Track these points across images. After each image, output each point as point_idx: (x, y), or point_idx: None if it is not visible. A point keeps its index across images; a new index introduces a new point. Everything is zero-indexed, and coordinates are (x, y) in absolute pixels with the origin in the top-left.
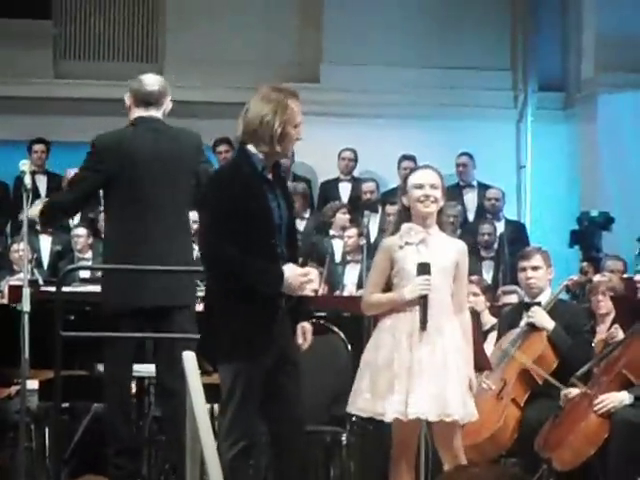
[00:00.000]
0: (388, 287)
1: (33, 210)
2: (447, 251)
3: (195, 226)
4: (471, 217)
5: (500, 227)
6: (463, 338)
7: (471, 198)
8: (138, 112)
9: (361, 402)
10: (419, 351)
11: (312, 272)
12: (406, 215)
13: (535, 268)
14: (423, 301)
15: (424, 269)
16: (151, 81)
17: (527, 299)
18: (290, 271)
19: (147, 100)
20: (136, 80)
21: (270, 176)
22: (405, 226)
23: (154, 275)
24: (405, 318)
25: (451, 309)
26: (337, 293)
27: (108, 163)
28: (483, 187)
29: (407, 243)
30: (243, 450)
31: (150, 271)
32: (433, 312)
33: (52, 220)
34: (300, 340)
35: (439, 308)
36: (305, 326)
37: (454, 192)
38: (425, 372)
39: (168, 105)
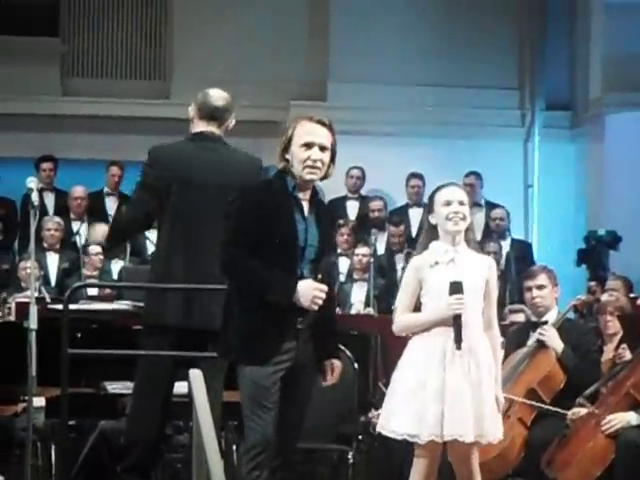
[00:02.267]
0: (417, 307)
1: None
2: (477, 268)
3: None
4: (479, 236)
5: (506, 246)
6: (493, 355)
7: (479, 218)
8: (200, 126)
9: (394, 424)
10: (453, 371)
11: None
12: (434, 233)
13: (540, 287)
14: (457, 320)
15: (457, 288)
16: (217, 96)
17: (534, 318)
18: (303, 283)
19: (211, 115)
20: (203, 93)
21: (303, 198)
22: (434, 245)
23: (200, 297)
24: (438, 337)
25: (481, 327)
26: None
27: (164, 179)
28: (491, 206)
29: (437, 262)
30: (257, 464)
31: (175, 289)
32: (465, 332)
33: (118, 243)
34: (328, 376)
35: (472, 327)
36: (335, 363)
37: None
38: (460, 393)
39: (231, 122)
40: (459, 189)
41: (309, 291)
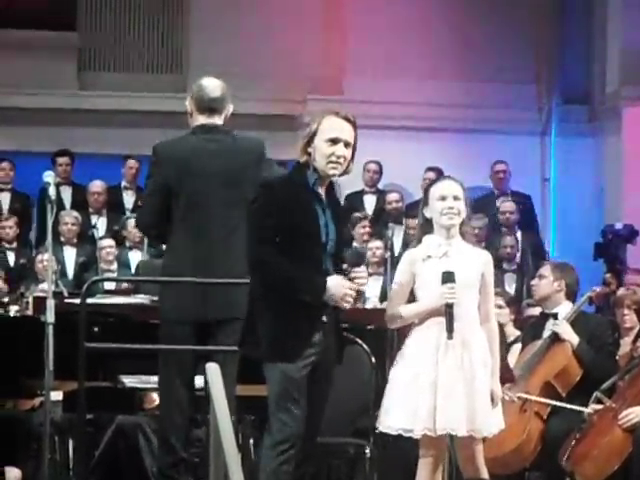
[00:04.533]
0: (411, 301)
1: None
2: (471, 262)
3: None
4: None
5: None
6: (489, 348)
7: (508, 207)
8: (201, 119)
9: (390, 419)
10: (446, 365)
11: (362, 275)
12: (428, 227)
13: (540, 277)
14: (449, 310)
15: (449, 278)
16: (213, 86)
17: (546, 310)
18: (333, 281)
19: (211, 107)
20: (197, 85)
21: (323, 194)
22: (428, 238)
23: (213, 288)
24: (430, 333)
25: (477, 321)
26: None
27: (171, 175)
28: (517, 195)
29: (430, 256)
30: (287, 458)
31: (196, 283)
32: (459, 325)
33: (151, 238)
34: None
35: (465, 321)
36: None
37: (486, 201)
38: (453, 386)
39: (229, 109)
40: (455, 183)
41: (340, 289)
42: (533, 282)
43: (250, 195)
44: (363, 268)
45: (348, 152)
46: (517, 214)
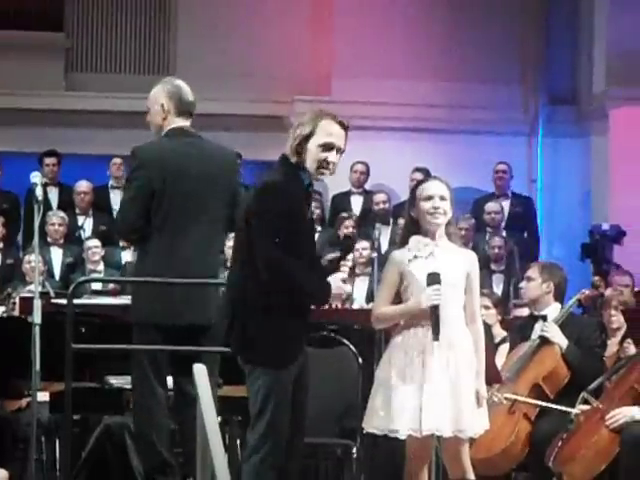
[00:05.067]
0: (398, 302)
1: None
2: (457, 263)
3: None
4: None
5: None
6: (475, 349)
7: (506, 207)
8: (177, 122)
9: (375, 420)
10: (431, 367)
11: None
12: (414, 227)
13: (528, 279)
14: (435, 311)
15: (434, 279)
16: (187, 89)
17: (535, 312)
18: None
19: (188, 110)
20: (174, 86)
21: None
22: (414, 239)
23: (185, 292)
24: (416, 334)
25: (463, 322)
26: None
27: (155, 177)
28: (517, 197)
29: (416, 256)
30: (272, 467)
31: (170, 284)
32: (445, 326)
33: (132, 242)
34: None
35: (450, 322)
36: None
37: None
38: (438, 388)
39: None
40: (441, 183)
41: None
42: (522, 284)
43: (224, 202)
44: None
45: (338, 157)
46: (502, 214)
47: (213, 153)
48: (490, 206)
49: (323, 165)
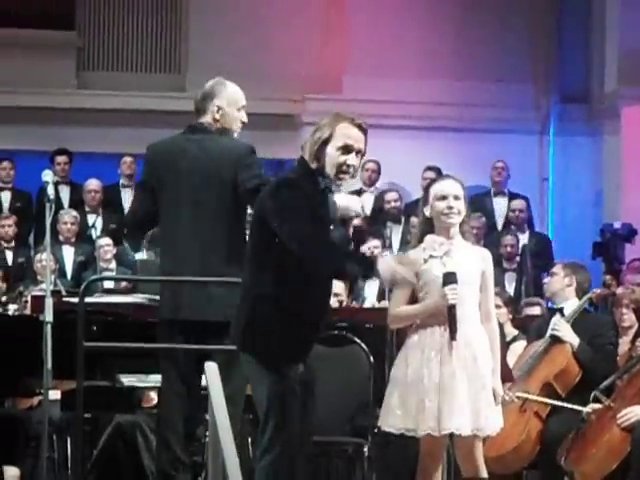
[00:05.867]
0: (414, 302)
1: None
2: (472, 261)
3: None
4: (499, 226)
5: (524, 239)
6: (490, 347)
7: (502, 207)
8: (197, 119)
9: (392, 419)
10: (450, 366)
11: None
12: (428, 226)
13: (552, 274)
14: (452, 311)
15: (450, 278)
16: (200, 90)
17: (553, 305)
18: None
19: (196, 107)
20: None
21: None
22: (428, 238)
23: (198, 288)
24: (433, 333)
25: (478, 320)
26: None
27: (155, 175)
28: (512, 196)
29: (431, 256)
30: (284, 467)
31: (176, 282)
32: (462, 324)
33: (133, 238)
34: None
35: (467, 320)
36: None
37: (483, 200)
38: (457, 387)
39: (213, 107)
40: (455, 182)
41: (388, 264)
42: (545, 280)
43: (228, 195)
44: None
45: (358, 160)
46: (527, 212)
47: (214, 148)
48: (515, 204)
49: (343, 169)
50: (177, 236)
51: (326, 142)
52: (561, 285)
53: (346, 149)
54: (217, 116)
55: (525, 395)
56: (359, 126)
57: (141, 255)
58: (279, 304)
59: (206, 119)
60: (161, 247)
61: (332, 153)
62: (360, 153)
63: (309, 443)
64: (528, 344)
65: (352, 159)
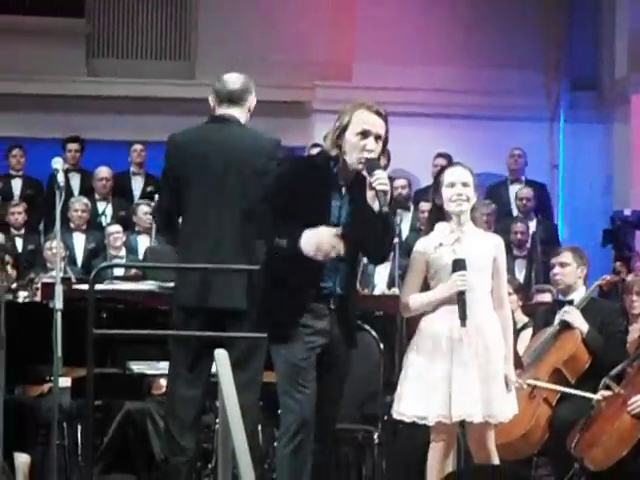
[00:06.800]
0: (425, 289)
1: None
2: (483, 247)
3: None
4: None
5: (532, 227)
6: (503, 334)
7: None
8: (220, 110)
9: (403, 407)
10: (461, 353)
11: (381, 176)
12: (439, 214)
13: (563, 264)
14: (461, 297)
15: (459, 265)
16: (233, 79)
17: (560, 297)
18: (310, 231)
19: (229, 98)
20: (219, 79)
21: (342, 179)
22: (439, 226)
23: (223, 277)
24: (444, 321)
25: (490, 306)
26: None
27: (177, 167)
28: (531, 184)
29: (442, 244)
30: (297, 443)
31: (198, 269)
32: (472, 311)
33: (169, 237)
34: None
35: (478, 307)
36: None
37: (499, 187)
38: (469, 374)
39: (252, 102)
40: (464, 169)
41: (313, 238)
42: (555, 270)
43: (254, 187)
44: (380, 171)
45: (378, 146)
46: (534, 201)
47: (239, 139)
48: (523, 192)
49: (363, 154)
50: (207, 223)
51: (345, 129)
52: (575, 277)
53: (364, 134)
54: (251, 110)
55: (535, 382)
56: (377, 112)
57: (149, 241)
58: (269, 272)
59: (238, 112)
60: (186, 235)
61: (351, 139)
62: (380, 138)
63: (327, 433)
64: (534, 332)
65: (371, 143)
